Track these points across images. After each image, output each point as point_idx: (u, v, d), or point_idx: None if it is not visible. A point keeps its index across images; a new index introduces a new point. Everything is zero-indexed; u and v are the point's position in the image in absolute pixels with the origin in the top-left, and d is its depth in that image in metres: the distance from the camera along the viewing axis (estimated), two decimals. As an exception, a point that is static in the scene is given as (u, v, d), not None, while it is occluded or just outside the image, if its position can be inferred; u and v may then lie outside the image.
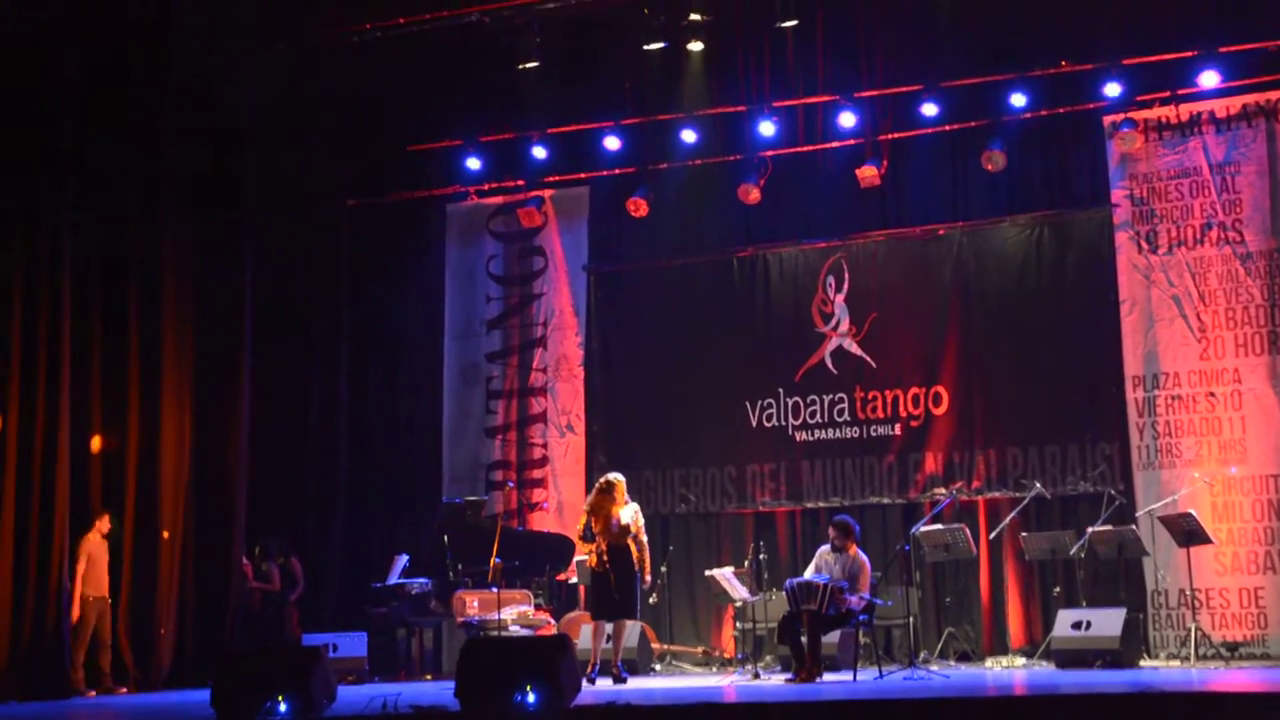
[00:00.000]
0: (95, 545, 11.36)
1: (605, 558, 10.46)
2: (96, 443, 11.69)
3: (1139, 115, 12.21)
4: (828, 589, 9.86)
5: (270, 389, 13.39)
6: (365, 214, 14.24)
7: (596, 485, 10.86)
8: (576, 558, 12.25)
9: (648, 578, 10.66)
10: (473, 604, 11.69)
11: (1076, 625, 10.74)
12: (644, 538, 10.63)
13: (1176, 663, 11.08)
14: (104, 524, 11.41)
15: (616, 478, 10.81)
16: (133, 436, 11.73)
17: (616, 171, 13.60)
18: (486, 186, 14.09)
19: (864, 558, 10.35)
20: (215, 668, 8.52)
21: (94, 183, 11.56)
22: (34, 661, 10.70)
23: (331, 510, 14.00)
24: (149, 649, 11.66)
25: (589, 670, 10.28)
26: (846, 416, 12.90)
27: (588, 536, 10.62)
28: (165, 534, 11.79)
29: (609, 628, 10.59)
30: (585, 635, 11.00)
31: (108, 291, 11.69)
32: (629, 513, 10.62)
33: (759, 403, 13.18)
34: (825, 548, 10.46)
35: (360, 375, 14.31)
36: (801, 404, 13.06)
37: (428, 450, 14.07)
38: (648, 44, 12.45)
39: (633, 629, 11.59)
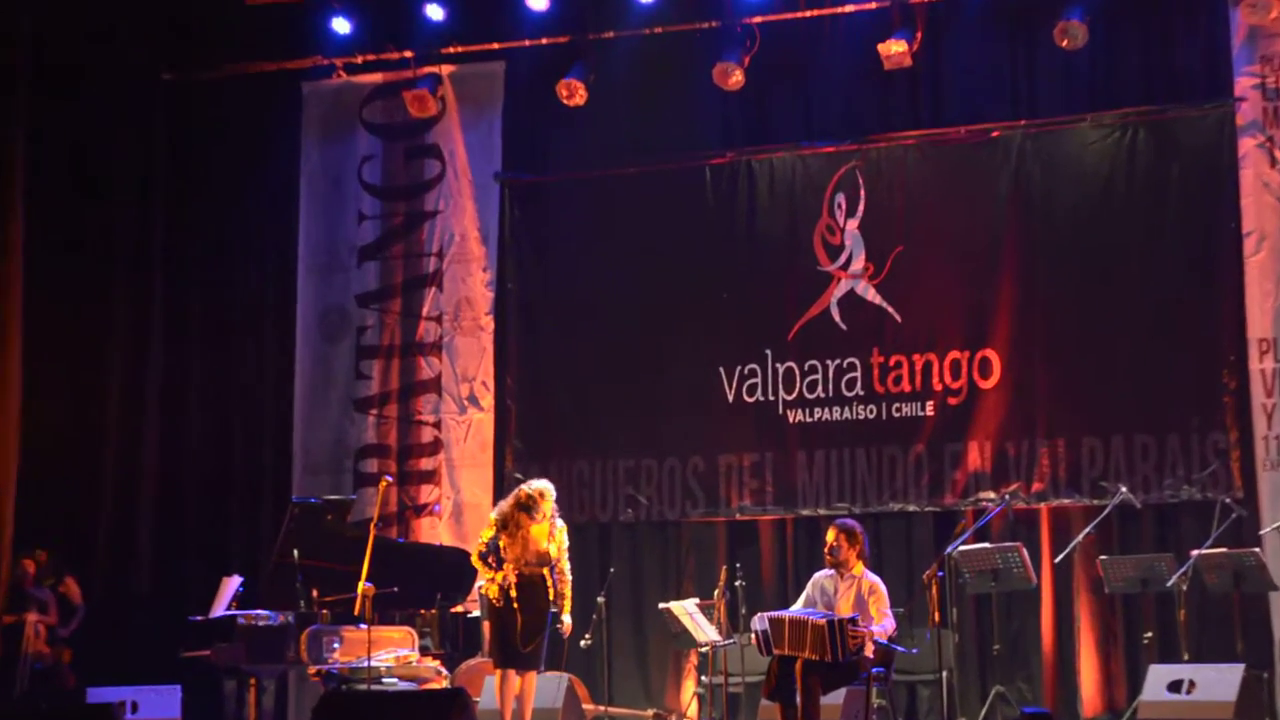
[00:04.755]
0: None
1: (513, 592, 9.61)
2: None
3: (1279, -29, 11.10)
4: (837, 625, 8.60)
5: (53, 343, 12.21)
6: (187, 94, 12.75)
7: (515, 494, 9.86)
8: (478, 583, 11.17)
9: (568, 620, 9.79)
10: (332, 645, 10.66)
11: (1175, 686, 9.81)
12: (567, 565, 9.80)
13: (1312, 739, 10.24)
14: None
15: (544, 487, 9.82)
16: None
17: (544, 41, 12.25)
18: (360, 59, 12.66)
19: (874, 578, 9.35)
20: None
21: None
22: None
23: (135, 513, 12.72)
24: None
25: (498, 737, 9.77)
26: (860, 390, 11.64)
27: (490, 559, 9.71)
28: None
29: (519, 680, 9.83)
30: (489, 689, 10.06)
31: None
32: (554, 536, 9.83)
33: (737, 369, 11.89)
34: (821, 573, 9.42)
35: (179, 325, 12.97)
36: (797, 371, 11.75)
37: (272, 429, 12.77)
38: None
39: (556, 683, 10.48)
